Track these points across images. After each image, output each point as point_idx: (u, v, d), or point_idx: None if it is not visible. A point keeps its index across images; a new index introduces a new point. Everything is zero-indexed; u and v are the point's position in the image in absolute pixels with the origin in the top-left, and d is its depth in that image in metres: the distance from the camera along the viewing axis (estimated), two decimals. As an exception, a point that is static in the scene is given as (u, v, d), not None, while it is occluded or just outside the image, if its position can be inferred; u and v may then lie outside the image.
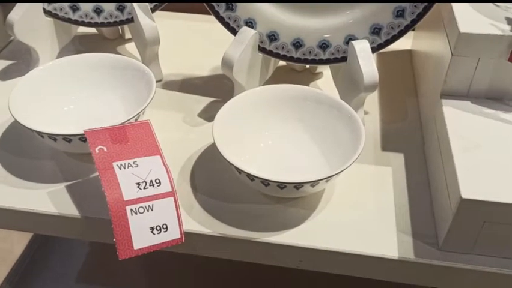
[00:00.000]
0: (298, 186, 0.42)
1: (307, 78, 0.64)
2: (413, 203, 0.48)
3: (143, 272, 0.86)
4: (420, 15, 0.51)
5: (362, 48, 0.52)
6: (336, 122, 0.50)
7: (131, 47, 0.67)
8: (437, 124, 0.49)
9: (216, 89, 0.61)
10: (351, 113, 0.49)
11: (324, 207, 0.47)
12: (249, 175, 0.43)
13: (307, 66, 0.64)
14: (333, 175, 0.43)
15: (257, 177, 0.42)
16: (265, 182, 0.43)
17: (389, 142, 0.55)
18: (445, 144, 0.45)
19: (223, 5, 0.55)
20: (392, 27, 0.52)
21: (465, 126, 0.46)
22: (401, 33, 0.52)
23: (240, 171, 0.43)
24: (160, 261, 0.87)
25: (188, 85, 0.62)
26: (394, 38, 0.53)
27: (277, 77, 0.62)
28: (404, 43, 0.69)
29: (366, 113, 0.58)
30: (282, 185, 0.43)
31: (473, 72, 0.48)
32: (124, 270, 0.85)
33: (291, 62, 0.56)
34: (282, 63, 0.64)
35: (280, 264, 0.45)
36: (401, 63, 0.68)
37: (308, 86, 0.62)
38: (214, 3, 0.55)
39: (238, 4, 0.54)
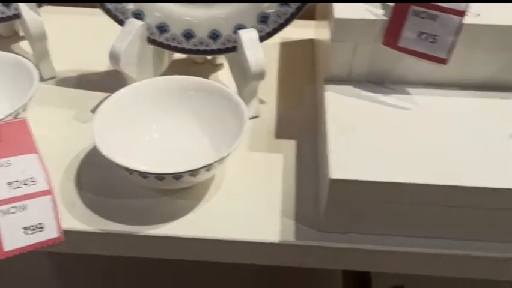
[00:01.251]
0: (176, 176, 0.42)
1: (208, 69, 0.64)
2: (300, 188, 0.48)
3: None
4: (305, 2, 0.52)
5: (248, 37, 0.52)
6: (225, 111, 0.50)
7: (26, 44, 0.65)
8: (320, 109, 0.50)
9: (111, 83, 0.59)
10: (237, 101, 0.49)
11: (213, 196, 0.48)
12: (127, 169, 0.42)
13: (209, 57, 0.64)
14: (212, 163, 0.43)
15: (134, 170, 0.42)
16: (143, 175, 0.42)
17: (283, 130, 0.55)
18: (324, 127, 0.46)
19: (109, -3, 0.54)
20: (278, 16, 0.53)
21: (344, 110, 0.47)
22: (287, 21, 0.53)
23: (117, 165, 0.42)
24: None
25: (82, 81, 0.60)
26: (281, 26, 0.53)
27: (177, 69, 0.61)
28: (307, 32, 0.70)
29: (262, 102, 0.59)
30: (160, 177, 0.42)
31: (352, 57, 0.49)
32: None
33: (183, 53, 0.56)
34: (182, 55, 0.63)
35: (166, 256, 0.45)
36: (303, 53, 0.68)
37: (208, 77, 0.63)
38: (99, -4, 0.54)
39: (125, -4, 0.54)
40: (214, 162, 0.43)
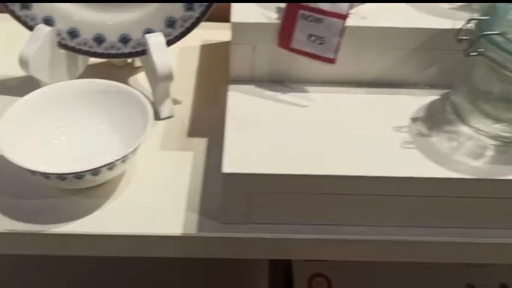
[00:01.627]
0: (78, 176, 0.44)
1: (128, 72, 0.65)
2: (207, 183, 0.51)
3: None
4: (208, 7, 0.54)
5: (155, 40, 0.54)
6: (132, 111, 0.51)
7: None
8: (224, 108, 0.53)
9: (28, 89, 0.61)
10: (143, 100, 0.51)
11: (121, 193, 0.49)
12: (29, 170, 0.44)
13: (129, 60, 0.66)
14: (113, 162, 0.45)
15: (36, 171, 0.44)
16: (45, 175, 0.44)
17: (196, 129, 0.58)
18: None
19: (17, 4, 0.55)
20: (184, 20, 0.55)
21: (244, 108, 0.50)
22: (193, 25, 0.55)
23: (19, 166, 0.44)
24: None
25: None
26: (188, 30, 0.55)
27: (96, 73, 0.63)
28: (227, 35, 0.73)
29: (178, 102, 0.61)
30: (61, 177, 0.44)
31: (252, 58, 0.52)
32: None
33: (95, 57, 0.58)
34: (101, 59, 0.65)
35: (72, 253, 0.47)
36: (221, 55, 0.71)
37: (127, 80, 0.64)
38: (7, 3, 0.55)
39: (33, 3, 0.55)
40: (116, 160, 0.45)
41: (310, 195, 0.44)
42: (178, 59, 0.69)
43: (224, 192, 0.44)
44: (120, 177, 0.51)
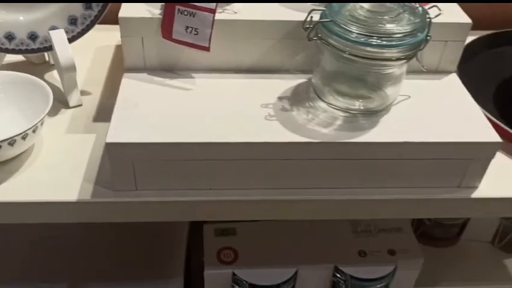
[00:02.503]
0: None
1: (45, 69, 0.72)
2: (105, 159, 0.58)
3: None
4: (104, 6, 0.62)
5: (57, 36, 0.61)
6: (38, 98, 0.58)
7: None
8: (119, 93, 0.60)
9: None
10: (44, 86, 0.58)
11: (27, 168, 0.56)
12: None
13: (46, 58, 0.73)
14: (12, 137, 0.52)
15: None
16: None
17: (101, 115, 0.65)
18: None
19: None
20: (84, 18, 0.62)
21: (134, 92, 0.57)
22: (92, 22, 0.63)
23: None
24: None
25: None
26: (89, 27, 0.63)
27: (15, 70, 0.69)
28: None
29: (88, 93, 0.68)
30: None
31: (143, 50, 0.59)
32: None
33: (7, 53, 0.64)
34: (20, 57, 0.72)
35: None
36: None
37: (44, 75, 0.71)
38: None
39: None
40: (15, 136, 0.52)
41: (189, 161, 0.52)
42: (93, 56, 0.76)
43: (111, 162, 0.52)
44: (27, 155, 0.57)
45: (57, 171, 0.56)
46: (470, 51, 0.76)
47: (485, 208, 0.58)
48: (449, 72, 0.63)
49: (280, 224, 0.81)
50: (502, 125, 0.62)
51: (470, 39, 0.78)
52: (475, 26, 0.88)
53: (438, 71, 0.63)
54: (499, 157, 0.61)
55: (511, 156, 0.62)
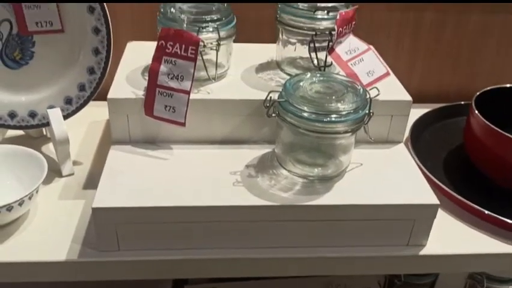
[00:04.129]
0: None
1: (42, 142, 0.81)
2: (92, 222, 0.65)
3: None
4: (96, 89, 0.71)
5: (54, 115, 0.70)
6: (34, 168, 0.66)
7: None
8: (106, 163, 0.68)
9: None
10: (41, 159, 0.66)
11: (22, 231, 0.63)
12: None
13: (44, 133, 0.81)
14: (11, 204, 0.59)
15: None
16: (-45, 215, 0.57)
17: (90, 183, 0.72)
18: (102, 175, 0.64)
19: None
20: (79, 98, 0.72)
21: (119, 163, 0.65)
22: (85, 102, 0.72)
23: None
24: None
25: None
26: (82, 105, 0.72)
27: (14, 143, 0.77)
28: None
29: (79, 163, 0.76)
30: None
31: (128, 125, 0.68)
32: None
33: (10, 129, 0.73)
34: (20, 132, 0.80)
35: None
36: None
37: (41, 148, 0.79)
38: None
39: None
40: (13, 202, 0.59)
41: (167, 223, 0.59)
42: (86, 130, 0.85)
43: (96, 224, 0.58)
44: (23, 219, 0.64)
45: (49, 234, 0.63)
46: (424, 122, 0.86)
47: (433, 264, 0.64)
48: (398, 142, 0.71)
49: (261, 284, 0.86)
50: (445, 188, 0.70)
51: (424, 111, 0.88)
52: (428, 99, 0.99)
53: (388, 141, 0.71)
54: (445, 217, 0.69)
55: (456, 217, 0.69)
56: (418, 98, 0.94)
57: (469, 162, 0.76)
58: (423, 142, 0.81)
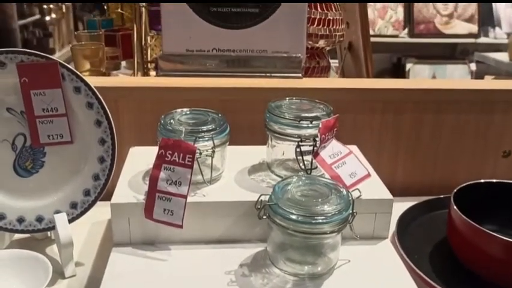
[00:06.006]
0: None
1: (46, 244, 0.84)
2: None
3: None
4: (100, 193, 0.76)
5: (60, 219, 0.75)
6: (39, 271, 0.69)
7: None
8: (108, 265, 0.72)
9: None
10: (46, 262, 0.69)
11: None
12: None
13: (48, 235, 0.86)
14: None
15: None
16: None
17: (91, 283, 0.75)
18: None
19: (-39, 197, 0.76)
20: (83, 203, 0.77)
21: (120, 264, 0.69)
22: (90, 206, 0.77)
23: None
24: None
25: None
26: (86, 209, 0.77)
27: (21, 245, 0.82)
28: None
29: (81, 264, 0.79)
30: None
31: (129, 228, 0.73)
32: None
33: (17, 233, 0.77)
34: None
35: None
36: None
37: (45, 250, 0.83)
38: (-47, 197, 0.75)
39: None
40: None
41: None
42: (89, 230, 0.89)
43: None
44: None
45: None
46: (409, 216, 0.91)
47: None
48: (383, 238, 0.76)
49: None
50: (431, 282, 0.73)
51: (410, 204, 0.93)
52: (413, 193, 1.05)
53: (374, 237, 0.75)
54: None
55: (444, 310, 0.72)
56: (403, 192, 1.00)
57: (454, 255, 0.80)
58: (410, 235, 0.85)
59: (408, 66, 3.52)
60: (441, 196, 0.94)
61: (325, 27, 1.15)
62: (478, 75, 3.38)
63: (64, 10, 6.14)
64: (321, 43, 1.19)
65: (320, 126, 0.72)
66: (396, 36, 3.39)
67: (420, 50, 3.50)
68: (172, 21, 1.00)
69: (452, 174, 1.06)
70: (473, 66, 3.44)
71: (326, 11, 1.17)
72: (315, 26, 1.15)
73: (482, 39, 3.40)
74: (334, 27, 1.18)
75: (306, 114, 0.75)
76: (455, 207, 0.77)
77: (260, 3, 0.99)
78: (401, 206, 0.90)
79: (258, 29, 1.01)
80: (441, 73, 3.50)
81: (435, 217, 0.92)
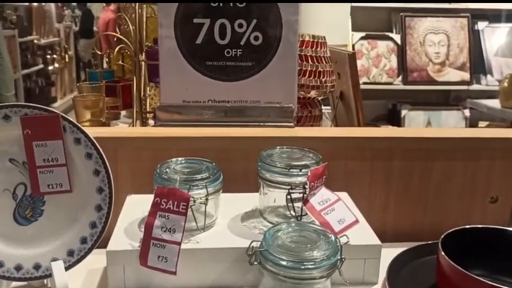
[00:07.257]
0: None
1: None
2: None
3: None
4: (96, 241, 0.79)
5: (57, 267, 0.77)
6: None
7: None
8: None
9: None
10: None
11: None
12: None
13: (45, 282, 0.87)
14: None
15: None
16: None
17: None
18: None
19: (-39, 245, 0.78)
20: (80, 250, 0.79)
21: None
22: (86, 254, 0.79)
23: None
24: None
25: None
26: (83, 257, 0.79)
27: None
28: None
29: (76, 311, 0.80)
30: None
31: (123, 274, 0.74)
32: None
33: (14, 281, 0.79)
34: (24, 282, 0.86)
35: None
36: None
37: None
38: (-46, 245, 0.77)
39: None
40: None
41: None
42: (85, 277, 0.90)
43: None
44: None
45: None
46: (400, 261, 0.92)
47: None
48: (373, 283, 0.77)
49: None
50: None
51: (400, 250, 0.95)
52: (404, 238, 1.06)
53: (364, 283, 0.77)
54: None
55: None
56: (394, 237, 1.01)
57: (444, 301, 0.81)
58: (400, 281, 0.86)
59: (404, 112, 3.59)
60: (430, 242, 0.96)
61: (316, 78, 1.20)
62: (472, 121, 3.45)
63: (67, 60, 6.30)
64: (313, 93, 1.24)
65: (309, 174, 0.75)
66: (390, 83, 3.48)
67: (415, 96, 3.58)
68: (170, 74, 1.05)
69: (442, 220, 1.08)
70: (467, 112, 3.51)
71: (316, 63, 1.22)
72: (306, 77, 1.20)
73: (475, 86, 3.48)
74: (325, 78, 1.23)
75: (296, 163, 0.78)
76: (442, 253, 0.78)
77: (253, 58, 1.04)
78: (392, 252, 0.91)
79: (252, 81, 1.06)
80: (436, 119, 3.57)
81: (425, 263, 0.93)
